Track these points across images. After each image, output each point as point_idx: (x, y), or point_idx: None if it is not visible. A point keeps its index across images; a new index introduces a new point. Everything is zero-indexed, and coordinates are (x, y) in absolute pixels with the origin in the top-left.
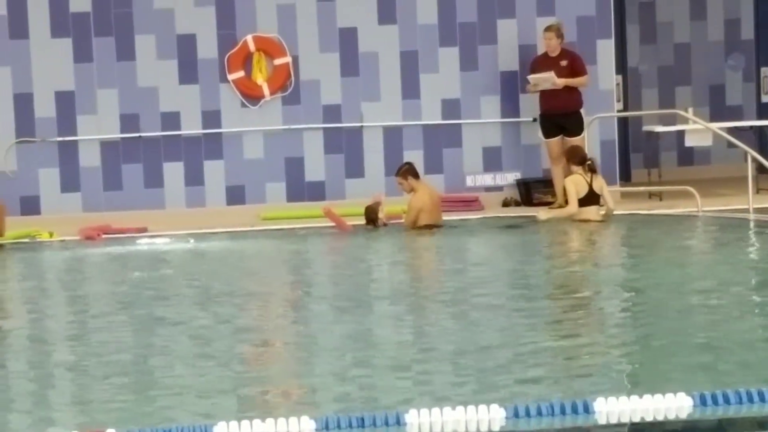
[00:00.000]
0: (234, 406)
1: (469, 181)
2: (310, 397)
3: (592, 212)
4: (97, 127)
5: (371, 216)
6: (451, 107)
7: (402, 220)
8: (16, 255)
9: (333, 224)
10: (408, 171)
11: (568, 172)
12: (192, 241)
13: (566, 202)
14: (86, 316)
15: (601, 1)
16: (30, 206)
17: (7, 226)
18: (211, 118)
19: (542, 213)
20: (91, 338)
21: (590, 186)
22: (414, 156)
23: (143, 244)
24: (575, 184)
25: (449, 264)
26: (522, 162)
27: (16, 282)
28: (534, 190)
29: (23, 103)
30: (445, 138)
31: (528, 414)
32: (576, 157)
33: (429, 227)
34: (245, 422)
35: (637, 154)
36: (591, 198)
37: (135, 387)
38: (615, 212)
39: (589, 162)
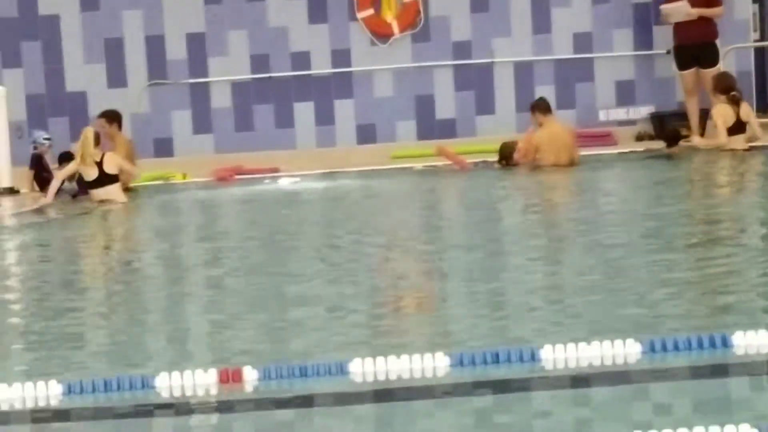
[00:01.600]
0: (369, 342)
1: (602, 116)
2: (444, 333)
3: (739, 141)
4: (228, 68)
5: (507, 153)
6: (582, 41)
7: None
8: (151, 197)
9: (451, 162)
10: (535, 106)
11: (713, 101)
12: (299, 179)
13: (701, 135)
14: (220, 255)
15: None
16: (163, 148)
17: (141, 167)
18: (341, 57)
19: (697, 139)
20: (225, 279)
21: (737, 115)
22: (545, 91)
23: (276, 184)
24: (722, 115)
25: (584, 200)
26: (656, 95)
27: (151, 223)
28: (668, 124)
29: (155, 46)
30: (577, 72)
31: (665, 348)
32: (720, 86)
33: (559, 166)
34: (380, 358)
35: None
36: (738, 127)
37: (271, 325)
38: (758, 143)
39: (734, 93)
